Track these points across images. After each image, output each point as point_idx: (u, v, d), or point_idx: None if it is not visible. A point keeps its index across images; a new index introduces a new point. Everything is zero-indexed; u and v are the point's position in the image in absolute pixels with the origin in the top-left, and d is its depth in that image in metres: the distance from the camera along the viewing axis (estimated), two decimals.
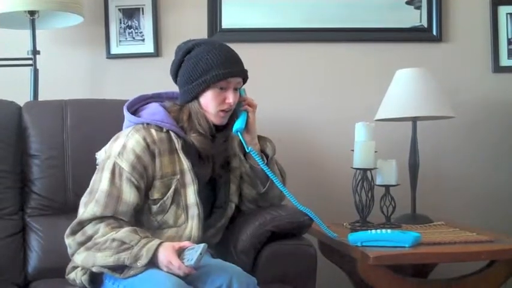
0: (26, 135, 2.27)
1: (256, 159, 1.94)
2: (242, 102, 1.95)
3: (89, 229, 1.77)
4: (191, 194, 1.87)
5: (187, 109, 1.90)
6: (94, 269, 1.76)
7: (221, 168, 2.01)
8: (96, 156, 1.97)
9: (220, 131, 1.94)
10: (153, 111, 1.92)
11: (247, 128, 1.94)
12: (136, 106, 1.97)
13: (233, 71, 1.87)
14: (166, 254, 1.67)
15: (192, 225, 1.87)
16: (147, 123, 1.87)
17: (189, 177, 1.86)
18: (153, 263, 1.68)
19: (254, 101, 1.98)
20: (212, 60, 1.84)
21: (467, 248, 2.06)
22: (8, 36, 2.62)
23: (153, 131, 1.85)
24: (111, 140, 1.91)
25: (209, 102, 1.87)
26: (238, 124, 1.92)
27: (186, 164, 1.86)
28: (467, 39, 2.89)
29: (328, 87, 2.85)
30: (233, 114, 1.94)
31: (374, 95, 2.65)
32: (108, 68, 2.77)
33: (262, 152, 2.00)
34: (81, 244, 1.77)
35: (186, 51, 1.90)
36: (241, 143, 1.95)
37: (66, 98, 2.36)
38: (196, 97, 1.88)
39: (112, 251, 1.71)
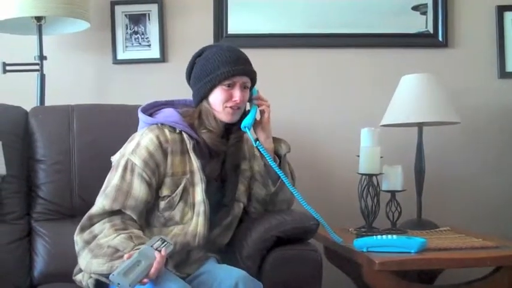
0: (33, 140, 2.27)
1: (264, 153, 1.97)
2: (254, 101, 2.00)
3: (96, 228, 1.78)
4: (199, 192, 1.89)
5: (198, 109, 1.96)
6: (93, 276, 1.77)
7: (231, 170, 2.02)
8: (111, 159, 1.98)
9: (234, 131, 1.98)
10: (168, 114, 1.96)
11: (261, 126, 2.00)
12: (151, 111, 2.00)
13: (238, 69, 1.92)
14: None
15: (198, 221, 1.87)
16: (161, 123, 1.91)
17: (198, 176, 1.89)
18: None
19: (265, 99, 2.02)
20: (219, 60, 1.91)
21: (473, 254, 2.05)
22: (15, 41, 2.63)
23: (166, 130, 1.90)
24: (127, 141, 1.94)
25: (216, 100, 1.92)
26: (246, 121, 1.96)
27: (196, 163, 1.89)
28: (473, 44, 2.89)
29: (334, 92, 2.85)
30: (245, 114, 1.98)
31: (380, 101, 2.65)
32: (115, 74, 2.78)
33: (276, 153, 2.03)
34: (87, 242, 1.78)
35: (198, 54, 1.99)
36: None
37: (73, 103, 2.36)
38: (205, 96, 1.94)
39: (106, 258, 1.72)
